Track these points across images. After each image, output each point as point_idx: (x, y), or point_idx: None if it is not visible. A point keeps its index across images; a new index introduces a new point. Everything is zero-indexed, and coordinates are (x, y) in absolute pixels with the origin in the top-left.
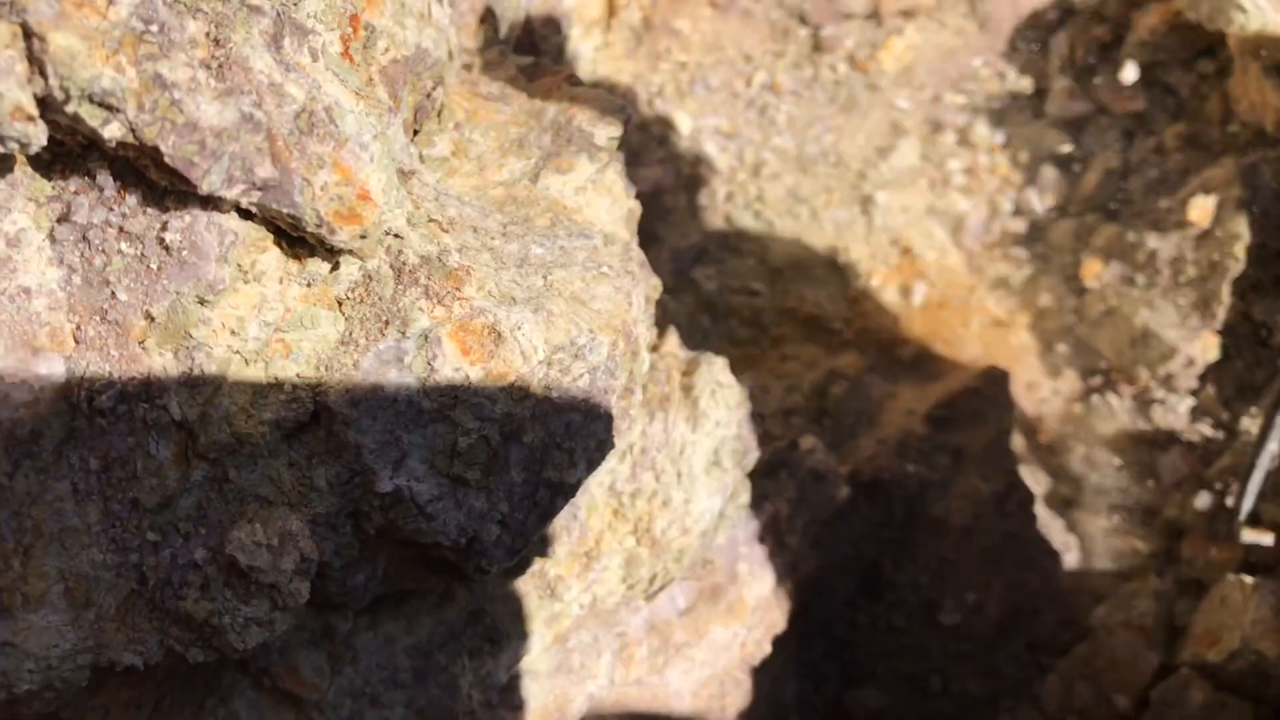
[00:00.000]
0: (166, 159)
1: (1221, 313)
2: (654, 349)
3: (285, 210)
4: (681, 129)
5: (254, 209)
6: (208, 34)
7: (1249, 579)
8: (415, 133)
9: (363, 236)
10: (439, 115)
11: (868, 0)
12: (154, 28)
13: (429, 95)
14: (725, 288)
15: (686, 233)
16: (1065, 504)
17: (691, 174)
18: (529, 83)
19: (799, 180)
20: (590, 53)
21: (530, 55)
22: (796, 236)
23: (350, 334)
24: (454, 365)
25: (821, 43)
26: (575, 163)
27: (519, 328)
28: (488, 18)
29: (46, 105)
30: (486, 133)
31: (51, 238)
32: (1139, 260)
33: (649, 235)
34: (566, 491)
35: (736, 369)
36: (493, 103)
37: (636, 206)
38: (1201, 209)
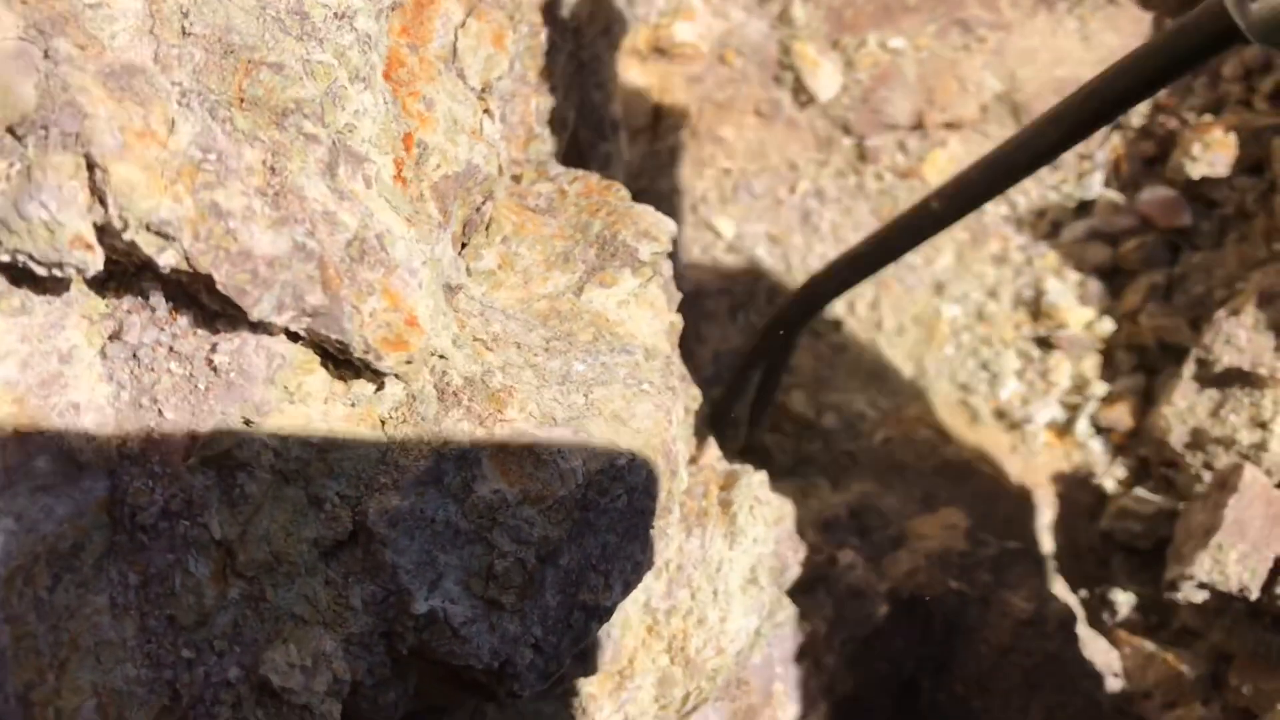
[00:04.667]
0: (219, 286)
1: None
2: (692, 460)
3: (334, 336)
4: (725, 234)
5: (302, 333)
6: (264, 162)
7: None
8: (464, 245)
9: (408, 362)
10: (487, 228)
11: (912, 112)
12: (212, 156)
13: (478, 209)
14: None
15: (728, 335)
16: (1109, 625)
17: (735, 277)
18: (576, 195)
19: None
20: (637, 160)
21: (579, 163)
22: (836, 344)
23: (391, 454)
24: (493, 487)
25: (865, 152)
26: (619, 277)
27: (559, 451)
28: (538, 129)
29: (104, 232)
30: (533, 246)
31: (103, 355)
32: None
33: (692, 336)
34: (601, 615)
35: (775, 476)
36: (540, 215)
37: (678, 320)
38: (1245, 329)
